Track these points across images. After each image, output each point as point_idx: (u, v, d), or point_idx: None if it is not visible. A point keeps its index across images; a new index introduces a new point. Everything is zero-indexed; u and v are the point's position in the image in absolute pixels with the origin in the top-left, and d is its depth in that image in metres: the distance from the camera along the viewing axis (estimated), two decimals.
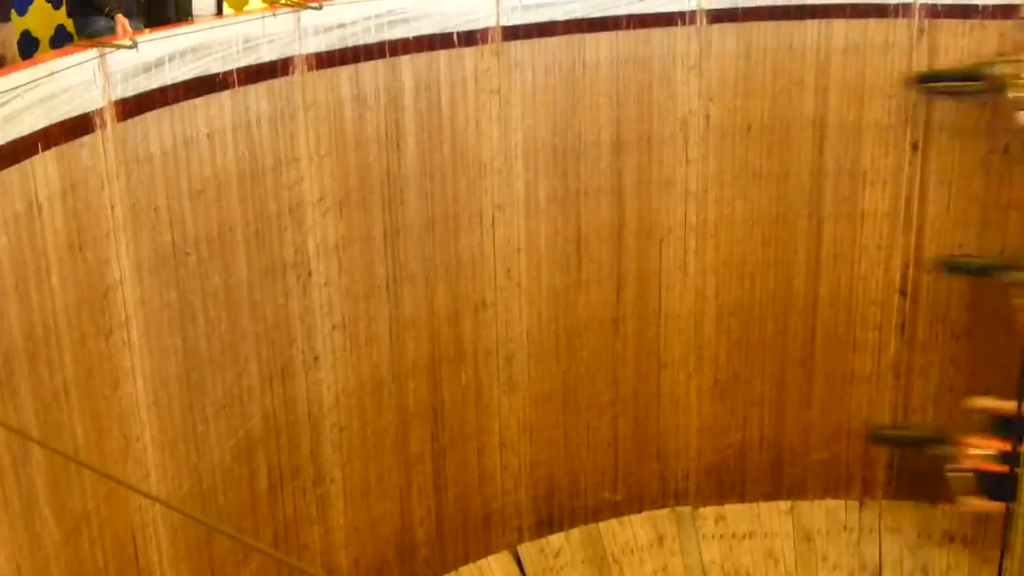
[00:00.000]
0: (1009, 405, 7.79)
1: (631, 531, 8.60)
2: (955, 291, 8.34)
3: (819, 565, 8.71)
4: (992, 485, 7.69)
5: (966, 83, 7.84)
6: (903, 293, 8.39)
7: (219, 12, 7.60)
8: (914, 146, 8.12)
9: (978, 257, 8.14)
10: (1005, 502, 7.74)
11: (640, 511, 8.68)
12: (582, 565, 8.38)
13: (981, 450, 7.73)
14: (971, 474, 7.72)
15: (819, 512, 8.83)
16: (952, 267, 8.15)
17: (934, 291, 8.37)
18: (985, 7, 7.81)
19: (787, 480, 8.83)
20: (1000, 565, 8.27)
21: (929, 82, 7.92)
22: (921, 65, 7.95)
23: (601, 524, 8.56)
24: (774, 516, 8.83)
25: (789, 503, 8.86)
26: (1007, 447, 7.68)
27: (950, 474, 7.82)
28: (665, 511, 8.75)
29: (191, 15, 7.43)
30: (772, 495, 8.87)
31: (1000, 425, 7.76)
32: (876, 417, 8.66)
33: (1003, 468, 7.68)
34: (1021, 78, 7.46)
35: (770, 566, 8.71)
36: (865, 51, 7.96)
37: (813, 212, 8.31)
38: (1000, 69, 7.63)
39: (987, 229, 8.15)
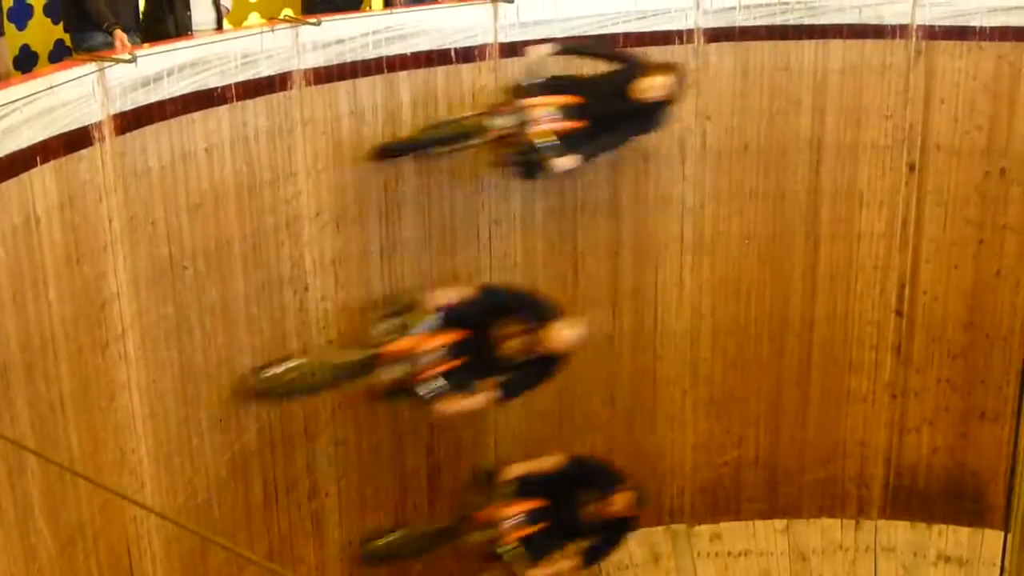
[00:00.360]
0: (540, 463, 7.24)
1: (626, 548, 8.56)
2: (951, 312, 8.35)
3: None
4: (540, 547, 7.13)
5: (440, 145, 7.10)
6: (899, 313, 8.40)
7: (219, 27, 7.63)
8: (911, 167, 8.14)
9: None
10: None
11: (635, 529, 8.66)
12: None
13: (545, 109, 6.89)
14: (518, 545, 7.05)
15: (814, 531, 8.82)
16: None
17: (930, 312, 8.38)
18: (983, 28, 7.83)
19: (782, 499, 8.83)
20: None
21: (394, 154, 7.11)
22: (918, 87, 7.98)
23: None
24: (769, 535, 8.83)
25: (784, 522, 8.85)
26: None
27: (506, 556, 7.08)
28: (660, 529, 8.75)
29: (190, 30, 7.47)
30: (767, 514, 8.86)
31: (528, 485, 7.18)
32: (872, 437, 8.66)
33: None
34: (527, 127, 6.90)
35: None
36: (862, 72, 7.99)
37: (810, 232, 8.33)
38: (500, 121, 6.95)
39: (983, 250, 8.17)
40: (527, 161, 7.01)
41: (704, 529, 8.80)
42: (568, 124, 6.92)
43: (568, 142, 6.92)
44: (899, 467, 8.69)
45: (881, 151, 8.12)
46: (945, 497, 8.66)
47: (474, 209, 7.55)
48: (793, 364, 8.56)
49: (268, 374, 6.68)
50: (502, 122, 6.92)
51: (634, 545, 8.62)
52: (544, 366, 6.99)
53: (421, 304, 6.81)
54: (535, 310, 6.92)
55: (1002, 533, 8.39)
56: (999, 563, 8.38)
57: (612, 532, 7.33)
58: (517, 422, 8.06)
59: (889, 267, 8.32)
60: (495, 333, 6.85)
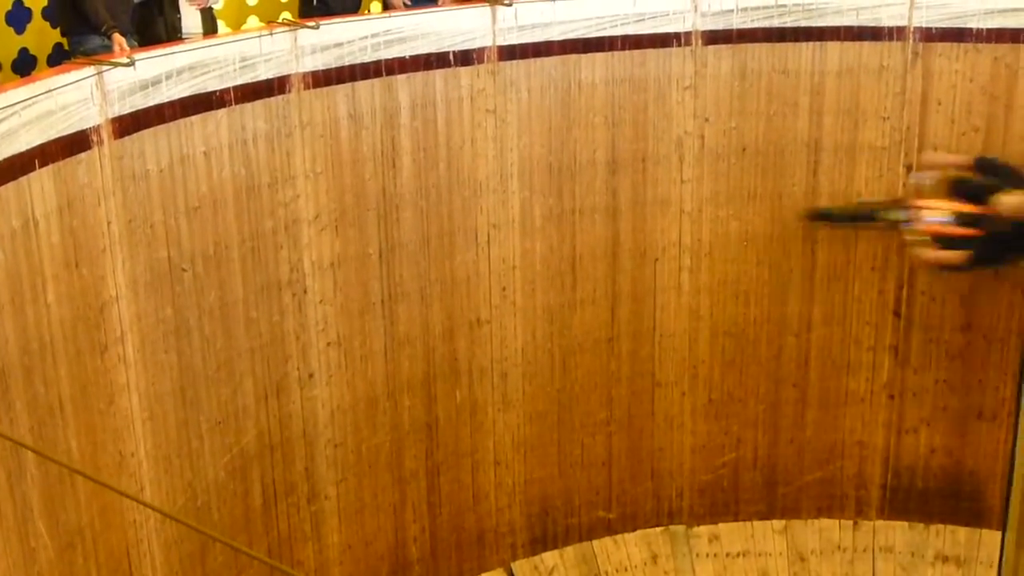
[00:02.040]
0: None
1: (625, 549, 8.61)
2: (949, 313, 8.36)
3: None
4: (950, 245, 7.46)
5: (857, 223, 8.08)
6: (897, 314, 8.42)
7: (207, 32, 7.64)
8: (908, 168, 8.15)
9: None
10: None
11: (634, 529, 8.69)
12: None
13: (937, 212, 7.50)
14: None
15: (813, 532, 8.83)
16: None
17: (928, 312, 8.40)
18: (979, 31, 7.85)
19: (781, 500, 8.85)
20: None
21: (820, 219, 8.12)
22: (915, 89, 8.00)
23: (595, 542, 8.57)
24: (768, 535, 8.84)
25: (783, 523, 8.87)
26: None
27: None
28: (659, 530, 8.77)
29: (180, 34, 7.49)
30: (766, 515, 8.87)
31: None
32: (870, 438, 8.68)
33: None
34: (913, 224, 7.63)
35: None
36: (859, 74, 8.00)
37: (808, 233, 8.34)
38: (892, 215, 7.82)
39: None
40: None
41: (703, 530, 8.81)
42: (954, 230, 7.46)
43: (950, 246, 7.47)
44: (897, 467, 8.71)
45: (878, 152, 8.13)
46: (943, 497, 8.68)
47: (472, 212, 7.57)
48: (791, 365, 8.58)
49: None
50: (895, 215, 7.80)
51: (633, 545, 8.64)
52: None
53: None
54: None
55: (1000, 533, 8.43)
56: (997, 563, 8.41)
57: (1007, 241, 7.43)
58: (515, 423, 8.08)
59: (887, 268, 8.33)
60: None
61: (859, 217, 8.04)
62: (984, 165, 7.60)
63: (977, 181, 7.55)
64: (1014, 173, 7.48)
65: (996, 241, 7.38)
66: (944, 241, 7.46)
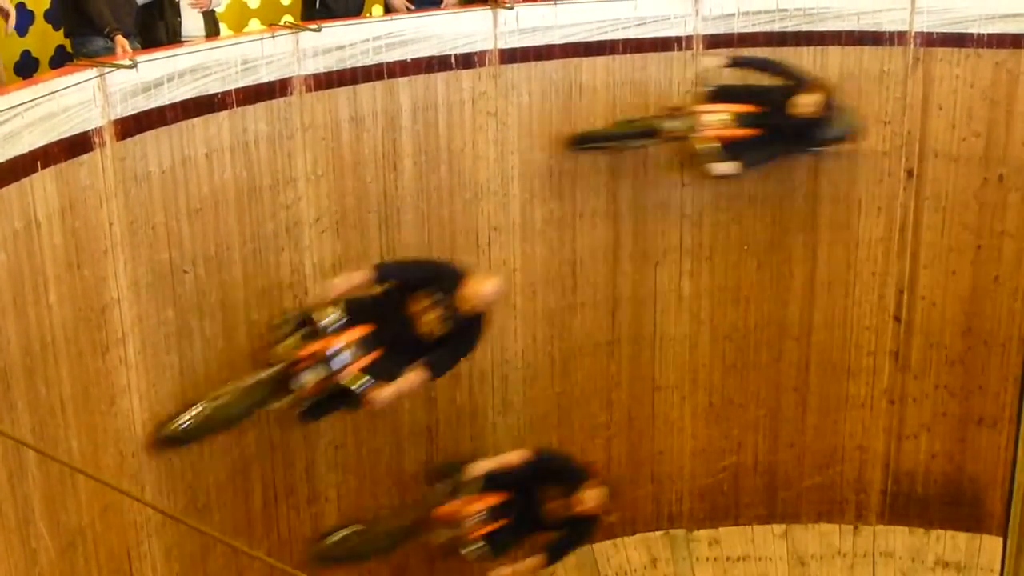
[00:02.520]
0: (506, 459, 7.09)
1: (625, 553, 8.61)
2: (949, 317, 8.37)
3: None
4: (503, 543, 7.05)
5: (626, 140, 7.74)
6: (897, 319, 8.43)
7: (209, 35, 7.65)
8: (909, 173, 8.17)
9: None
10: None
11: (634, 533, 8.69)
12: None
13: (718, 116, 7.44)
14: (716, 144, 7.41)
15: (813, 536, 8.84)
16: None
17: (928, 317, 8.41)
18: (980, 36, 7.86)
19: (781, 504, 8.85)
20: None
21: (585, 144, 7.71)
22: (916, 94, 8.01)
23: (595, 546, 8.55)
24: (768, 540, 8.84)
25: (783, 527, 8.87)
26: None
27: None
28: (659, 534, 8.77)
29: (180, 38, 7.50)
30: (766, 519, 8.88)
31: (493, 481, 7.03)
32: (870, 443, 8.68)
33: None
34: (695, 131, 7.48)
35: None
36: (860, 78, 8.01)
37: (808, 238, 8.36)
38: (672, 125, 7.58)
39: (981, 256, 8.20)
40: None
41: (703, 534, 8.82)
42: (736, 132, 7.40)
43: (733, 149, 7.40)
44: (897, 473, 8.71)
45: (879, 157, 8.15)
46: (943, 503, 8.68)
47: (473, 215, 7.58)
48: (791, 370, 8.58)
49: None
50: (673, 125, 7.49)
51: (633, 549, 8.64)
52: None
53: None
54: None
55: (1000, 539, 8.41)
56: (997, 569, 8.40)
57: (579, 529, 7.19)
58: (516, 426, 8.08)
59: (887, 273, 8.35)
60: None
61: (627, 135, 7.69)
62: (748, 62, 7.64)
63: (750, 85, 7.58)
64: (779, 68, 7.57)
65: (776, 138, 7.47)
66: (729, 146, 7.41)
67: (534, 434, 8.13)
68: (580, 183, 7.86)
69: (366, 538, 7.08)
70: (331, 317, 6.26)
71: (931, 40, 7.91)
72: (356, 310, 6.36)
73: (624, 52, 7.72)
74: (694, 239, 8.23)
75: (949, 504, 8.67)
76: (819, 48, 7.98)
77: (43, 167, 5.13)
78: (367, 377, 6.28)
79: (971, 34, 7.85)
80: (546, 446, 7.50)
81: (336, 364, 6.21)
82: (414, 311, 6.41)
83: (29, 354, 5.11)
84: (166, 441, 6.00)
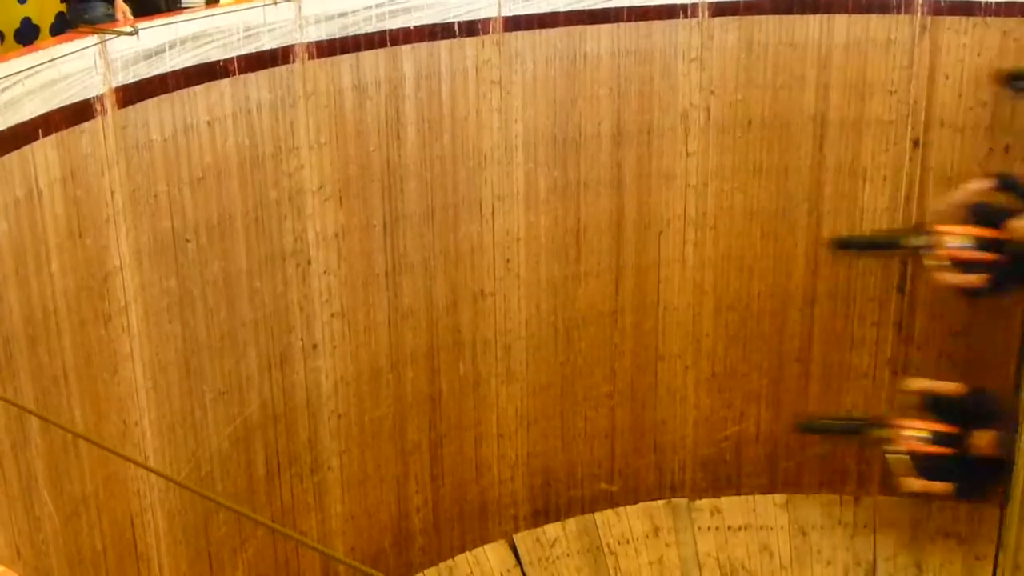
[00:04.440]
0: (946, 386, 7.77)
1: (627, 522, 8.63)
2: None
3: (813, 559, 8.74)
4: (929, 466, 7.63)
5: (879, 250, 8.21)
6: (901, 290, 8.40)
7: (209, 2, 7.60)
8: (914, 143, 8.12)
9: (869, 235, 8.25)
10: (946, 483, 7.70)
11: (636, 502, 8.71)
12: (578, 555, 8.42)
13: (917, 432, 7.67)
14: (907, 456, 7.65)
15: (814, 506, 8.85)
16: (844, 245, 8.20)
17: (932, 288, 8.37)
18: (988, 4, 7.79)
19: (783, 474, 8.86)
20: (995, 562, 8.30)
21: (845, 248, 8.18)
22: (923, 63, 7.94)
23: (597, 515, 8.59)
24: (769, 510, 8.86)
25: (784, 497, 8.88)
26: (943, 428, 7.65)
27: (888, 456, 7.77)
28: (661, 503, 8.79)
29: (180, 4, 7.44)
30: (768, 489, 8.89)
31: (935, 407, 7.72)
32: (873, 412, 8.66)
33: (940, 450, 7.62)
34: (934, 249, 7.69)
35: (765, 559, 8.74)
36: (866, 47, 7.95)
37: (813, 208, 8.32)
38: (912, 241, 7.84)
39: None
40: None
41: (704, 503, 8.84)
42: (973, 255, 7.58)
43: (971, 271, 7.60)
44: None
45: (885, 126, 8.10)
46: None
47: (477, 184, 7.55)
48: (795, 340, 8.57)
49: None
50: (916, 241, 7.83)
51: (635, 518, 8.66)
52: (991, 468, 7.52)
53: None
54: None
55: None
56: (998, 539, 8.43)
57: (988, 472, 7.57)
58: (519, 396, 8.09)
59: None
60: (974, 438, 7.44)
61: (881, 244, 8.19)
62: (1006, 184, 7.69)
63: (996, 205, 7.63)
64: None
65: (1016, 264, 7.51)
66: (964, 266, 7.58)
67: (537, 404, 8.15)
68: (584, 152, 7.83)
69: (835, 424, 8.36)
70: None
71: (938, 8, 7.84)
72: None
73: (629, 20, 7.66)
74: (698, 209, 8.20)
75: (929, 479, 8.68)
76: (825, 16, 7.91)
77: (44, 135, 5.11)
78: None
79: (979, 2, 7.78)
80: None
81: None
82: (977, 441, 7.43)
83: (31, 323, 5.11)
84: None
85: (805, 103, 8.06)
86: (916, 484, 7.72)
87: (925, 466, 7.60)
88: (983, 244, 7.54)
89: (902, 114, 8.05)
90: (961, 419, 7.57)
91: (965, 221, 7.69)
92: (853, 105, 8.06)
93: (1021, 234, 7.38)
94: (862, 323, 8.50)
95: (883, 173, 8.20)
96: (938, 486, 7.70)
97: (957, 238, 7.62)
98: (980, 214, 7.66)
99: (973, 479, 7.63)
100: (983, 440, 7.41)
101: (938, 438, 7.59)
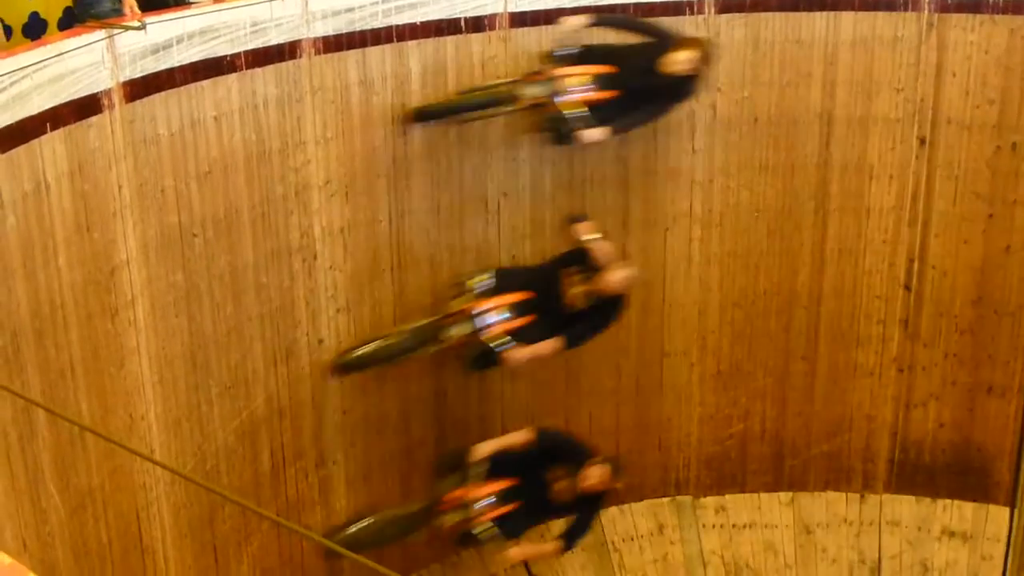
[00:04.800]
0: (512, 439, 7.26)
1: (631, 519, 8.63)
2: (960, 287, 8.34)
3: (818, 557, 8.73)
4: (514, 526, 7.17)
5: (475, 111, 7.22)
6: (908, 288, 8.39)
7: None
8: (921, 141, 8.11)
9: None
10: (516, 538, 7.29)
11: (641, 500, 8.71)
12: (582, 552, 8.41)
13: (578, 79, 7.03)
14: (492, 526, 7.05)
15: (819, 504, 8.85)
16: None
17: (939, 286, 8.37)
18: (996, 2, 7.77)
19: (788, 472, 8.86)
20: (1005, 563, 8.29)
21: (426, 118, 7.15)
22: (930, 60, 7.93)
23: (602, 512, 8.59)
24: (774, 507, 8.86)
25: (790, 495, 8.88)
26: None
27: (482, 537, 7.11)
28: (666, 500, 8.79)
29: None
30: (773, 487, 8.89)
31: (504, 464, 7.16)
32: (878, 412, 8.66)
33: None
34: (559, 96, 7.05)
35: (769, 557, 8.74)
36: (873, 45, 7.94)
37: (819, 205, 8.31)
38: (529, 91, 7.09)
39: (993, 225, 8.15)
40: (557, 130, 7.18)
41: (709, 501, 8.83)
42: (600, 95, 7.06)
43: (599, 113, 7.08)
44: (905, 442, 8.71)
45: (892, 124, 8.09)
46: (951, 472, 8.68)
47: (483, 180, 7.56)
48: (800, 338, 8.57)
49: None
50: (534, 91, 7.09)
51: (639, 515, 8.66)
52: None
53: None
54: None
55: (1007, 508, 8.44)
56: (1004, 538, 8.42)
57: (587, 507, 7.28)
58: (524, 393, 8.09)
59: (898, 241, 8.31)
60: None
61: (476, 105, 7.18)
62: (612, 21, 7.36)
63: (613, 45, 7.28)
64: (642, 27, 7.31)
65: (645, 99, 7.21)
66: (595, 110, 7.04)
67: (542, 400, 8.15)
68: (589, 148, 7.82)
69: (377, 529, 7.29)
70: (483, 281, 7.13)
71: (946, 6, 7.83)
72: (507, 277, 7.23)
73: (635, 15, 7.66)
74: (704, 205, 8.20)
75: (956, 473, 8.67)
76: (832, 13, 7.90)
77: (52, 129, 5.13)
78: (508, 338, 7.03)
79: (986, 0, 7.77)
80: (548, 426, 7.51)
81: (480, 323, 7.04)
82: (564, 284, 7.07)
83: (39, 316, 5.13)
84: (341, 367, 7.12)
85: (811, 100, 8.06)
86: (515, 553, 7.41)
87: (507, 529, 7.15)
88: (605, 81, 7.04)
89: (909, 112, 8.04)
90: (535, 465, 7.16)
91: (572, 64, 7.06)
92: (860, 103, 8.05)
93: (681, 65, 7.02)
94: (868, 321, 8.50)
95: (890, 171, 8.19)
96: (546, 547, 7.48)
97: (578, 79, 7.03)
98: (590, 57, 7.13)
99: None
100: (595, 476, 7.01)
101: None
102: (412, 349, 7.20)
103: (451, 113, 7.19)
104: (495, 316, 7.05)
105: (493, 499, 7.03)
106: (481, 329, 7.04)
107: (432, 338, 7.18)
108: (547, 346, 7.13)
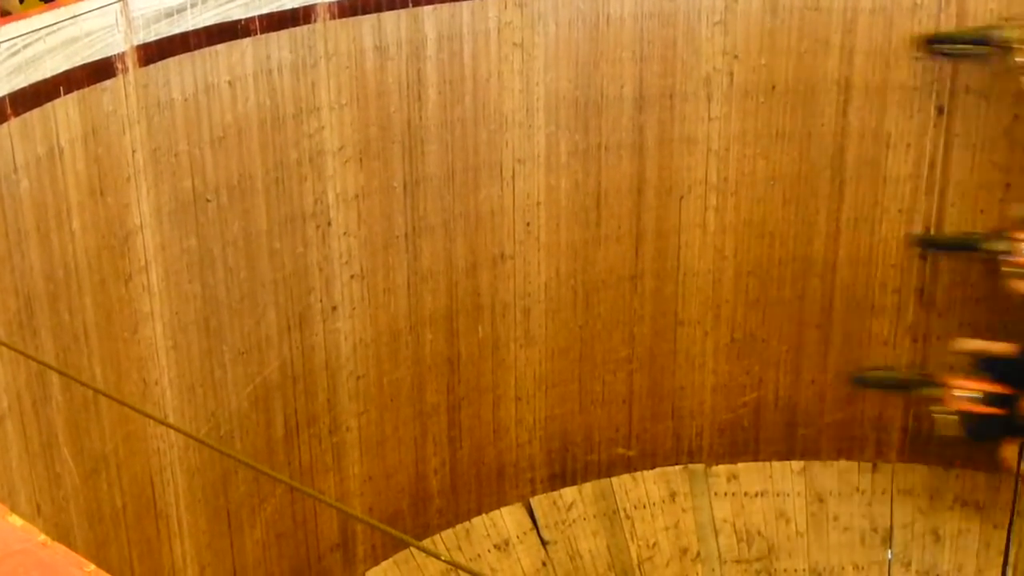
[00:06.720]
0: (998, 347, 7.66)
1: (643, 487, 8.65)
2: (976, 256, 8.29)
3: (830, 526, 8.74)
4: (976, 426, 7.55)
5: (973, 46, 7.77)
6: (923, 257, 8.35)
7: None
8: (939, 109, 8.05)
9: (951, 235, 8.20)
10: (991, 440, 7.71)
11: (653, 467, 8.72)
12: (594, 519, 8.44)
13: (967, 392, 7.52)
14: (955, 416, 7.53)
15: (832, 473, 8.85)
16: (926, 243, 8.20)
17: (954, 256, 8.32)
18: None
19: (801, 441, 8.85)
20: (1009, 530, 8.30)
21: (937, 43, 7.84)
22: (950, 27, 7.86)
23: (614, 479, 8.61)
24: (787, 476, 8.86)
25: (802, 463, 8.88)
26: (994, 388, 7.51)
27: (935, 415, 7.68)
28: (678, 468, 8.79)
29: None
30: (785, 455, 8.89)
31: (986, 367, 7.59)
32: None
33: (989, 409, 7.48)
34: (1012, 256, 7.55)
35: (781, 525, 8.75)
36: (892, 12, 7.86)
37: (835, 174, 8.26)
38: (1007, 33, 7.53)
39: (1010, 194, 8.09)
40: None
41: (722, 469, 8.84)
42: None
43: None
44: (918, 411, 8.68)
45: (910, 92, 8.02)
46: (963, 441, 8.65)
47: (498, 147, 7.52)
48: (815, 306, 8.54)
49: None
50: (996, 245, 7.69)
51: (651, 483, 8.68)
52: None
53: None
54: None
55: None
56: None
57: None
58: (537, 360, 8.10)
59: (914, 210, 8.26)
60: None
61: (963, 245, 8.09)
62: None
63: None
64: None
65: None
66: None
67: (556, 368, 8.15)
68: (606, 115, 7.79)
69: (890, 378, 8.31)
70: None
71: None
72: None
73: None
74: (719, 174, 8.15)
75: (969, 442, 8.65)
76: None
77: (65, 92, 5.11)
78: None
79: None
80: None
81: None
82: None
83: (52, 281, 5.13)
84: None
85: (829, 68, 7.99)
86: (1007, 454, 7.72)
87: (973, 427, 7.54)
88: None
89: (927, 80, 7.97)
90: (1014, 381, 7.46)
91: None
92: (878, 70, 7.98)
93: None
94: (883, 290, 8.46)
95: (907, 140, 8.13)
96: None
97: None
98: None
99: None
100: None
101: (990, 399, 7.47)
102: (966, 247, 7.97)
103: (948, 248, 8.23)
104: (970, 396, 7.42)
105: (980, 396, 7.35)
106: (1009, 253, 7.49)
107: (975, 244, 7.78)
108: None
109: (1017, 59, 7.51)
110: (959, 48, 7.79)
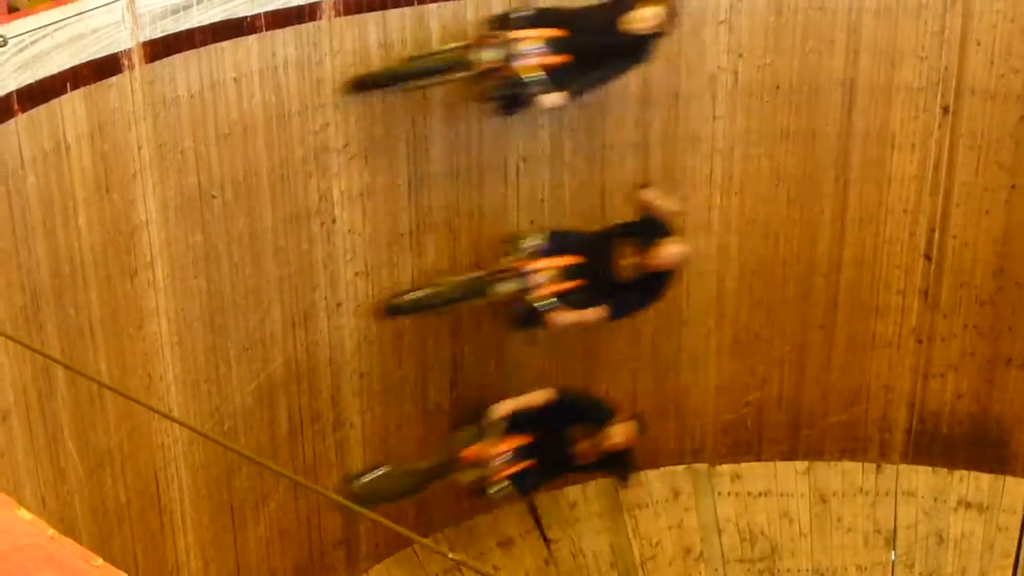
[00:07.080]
0: (534, 397, 7.29)
1: (647, 486, 8.64)
2: (981, 257, 8.29)
3: (833, 526, 8.74)
4: (529, 484, 7.28)
5: (419, 78, 6.96)
6: (928, 257, 8.35)
7: None
8: (944, 110, 8.04)
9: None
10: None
11: (656, 467, 8.70)
12: (597, 518, 8.44)
13: (531, 43, 6.81)
14: (508, 483, 7.08)
15: (835, 474, 8.84)
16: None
17: (959, 256, 8.32)
18: None
19: (804, 441, 8.85)
20: (1021, 533, 8.29)
21: (365, 88, 6.83)
22: (954, 28, 7.85)
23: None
24: (790, 476, 8.86)
25: (806, 464, 8.88)
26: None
27: (495, 495, 7.13)
28: (681, 467, 8.79)
29: None
30: (789, 455, 8.88)
31: (518, 422, 7.18)
32: (896, 382, 8.64)
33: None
34: (513, 61, 6.83)
35: (784, 525, 8.75)
36: (897, 12, 7.86)
37: (840, 174, 8.26)
38: (481, 56, 6.83)
39: (1015, 196, 8.09)
40: (513, 95, 7.00)
41: (725, 469, 8.83)
42: (555, 58, 6.90)
43: (555, 77, 6.90)
44: (922, 412, 8.69)
45: (915, 93, 8.01)
46: (968, 443, 8.66)
47: (502, 145, 7.53)
48: (819, 307, 8.53)
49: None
50: (488, 55, 6.85)
51: (655, 482, 8.67)
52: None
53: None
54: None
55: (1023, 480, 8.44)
56: (1020, 510, 8.42)
57: (617, 465, 7.39)
58: (541, 359, 8.09)
59: (919, 211, 8.25)
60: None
61: (422, 72, 6.91)
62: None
63: (562, 8, 7.10)
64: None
65: (593, 57, 6.98)
66: (552, 74, 6.84)
67: (559, 366, 8.15)
68: (610, 114, 7.79)
69: (393, 479, 7.32)
70: (535, 241, 7.19)
71: None
72: (560, 239, 7.24)
73: None
74: (724, 173, 8.15)
75: (973, 445, 8.65)
76: None
77: (72, 89, 5.13)
78: (554, 300, 7.07)
79: None
80: (570, 385, 7.53)
81: (527, 282, 7.08)
82: (617, 253, 7.13)
83: (58, 276, 5.15)
84: (392, 309, 7.24)
85: (834, 68, 7.98)
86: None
87: (529, 484, 7.28)
88: (556, 45, 6.85)
89: (932, 80, 7.97)
90: (555, 423, 7.24)
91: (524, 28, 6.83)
92: (883, 71, 7.98)
93: (639, 25, 6.84)
94: (887, 291, 8.46)
95: (912, 140, 8.13)
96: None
97: (531, 43, 6.82)
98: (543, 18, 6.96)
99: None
100: (619, 435, 7.12)
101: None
102: (459, 300, 7.32)
103: (396, 81, 6.89)
104: (543, 277, 7.08)
105: (510, 455, 7.07)
106: (528, 288, 7.08)
107: (479, 291, 7.24)
108: (592, 313, 7.16)
109: (523, 77, 6.86)
110: (408, 83, 6.94)
